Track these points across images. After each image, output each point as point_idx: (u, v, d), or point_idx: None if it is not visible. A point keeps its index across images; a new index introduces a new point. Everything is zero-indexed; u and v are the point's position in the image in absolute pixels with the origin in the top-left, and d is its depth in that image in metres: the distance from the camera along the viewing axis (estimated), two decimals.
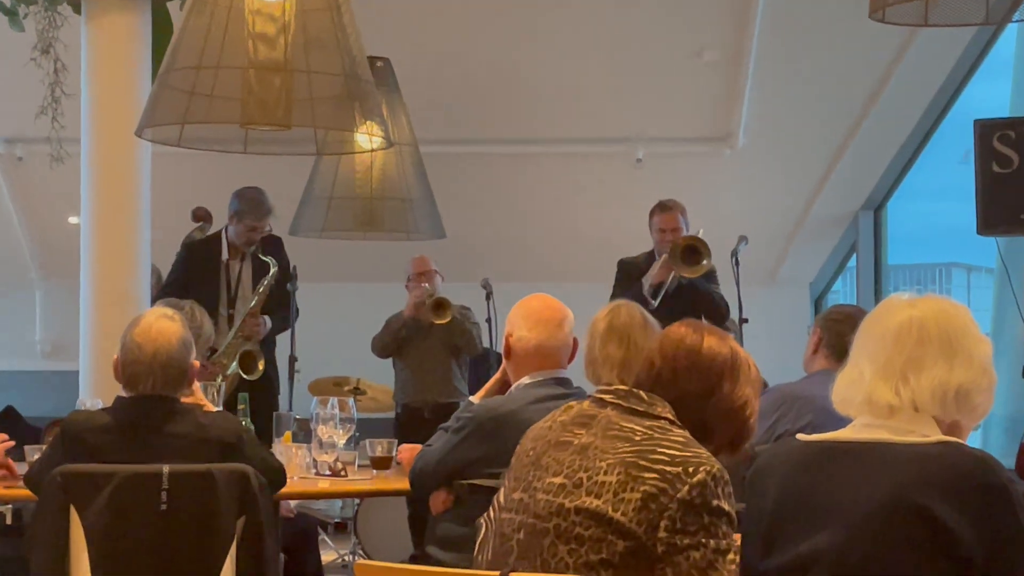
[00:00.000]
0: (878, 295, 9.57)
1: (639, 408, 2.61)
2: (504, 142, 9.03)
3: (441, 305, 7.24)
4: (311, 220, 6.77)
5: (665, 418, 2.58)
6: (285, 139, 4.74)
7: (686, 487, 2.43)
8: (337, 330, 8.96)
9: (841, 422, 2.55)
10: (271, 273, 6.82)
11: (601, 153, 9.16)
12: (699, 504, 2.43)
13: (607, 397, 2.67)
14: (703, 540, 2.42)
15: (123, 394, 3.84)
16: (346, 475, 4.72)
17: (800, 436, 2.57)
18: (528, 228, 9.51)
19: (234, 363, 6.73)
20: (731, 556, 2.46)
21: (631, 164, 9.07)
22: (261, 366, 6.72)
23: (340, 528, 8.21)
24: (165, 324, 3.82)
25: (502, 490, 2.74)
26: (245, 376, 6.68)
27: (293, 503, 6.30)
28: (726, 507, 2.46)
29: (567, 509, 2.50)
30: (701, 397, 2.64)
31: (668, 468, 2.45)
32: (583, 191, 9.32)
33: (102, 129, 6.33)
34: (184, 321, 3.91)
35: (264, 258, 6.84)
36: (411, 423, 7.34)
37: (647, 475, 2.45)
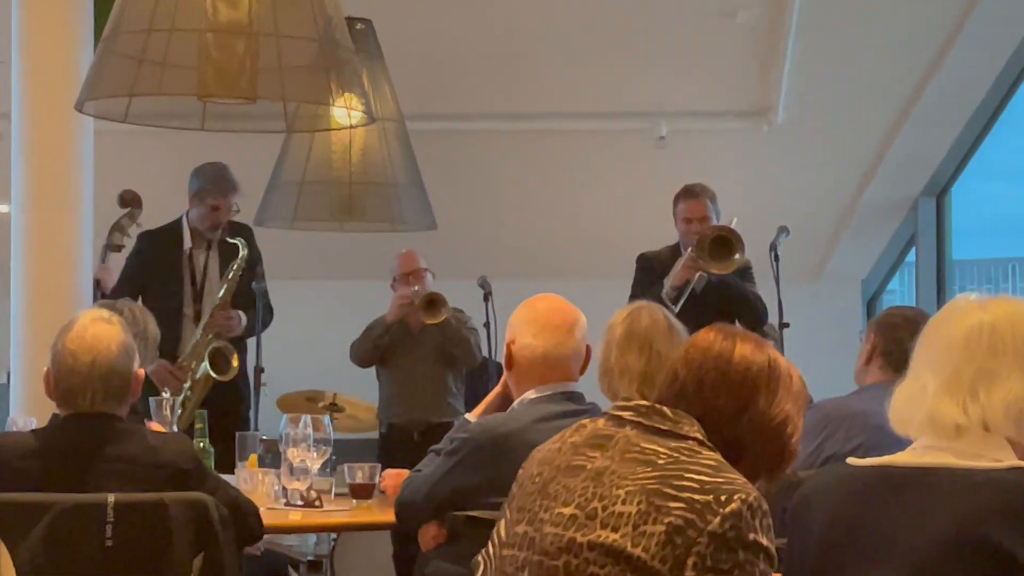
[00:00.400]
0: (941, 295, 9.57)
1: (663, 427, 2.61)
2: (505, 117, 9.02)
3: (434, 303, 7.24)
4: (280, 209, 6.77)
5: (693, 438, 2.58)
6: (249, 114, 4.75)
7: (718, 518, 2.43)
8: (310, 336, 8.96)
9: (898, 444, 2.55)
10: (241, 256, 6.83)
11: (617, 130, 9.15)
12: (732, 538, 2.43)
13: (626, 414, 2.67)
14: None
15: (58, 412, 3.84)
16: (321, 505, 4.72)
17: (851, 460, 2.57)
18: (532, 218, 9.50)
19: (203, 364, 6.74)
20: None
21: (652, 143, 9.06)
22: (235, 362, 6.73)
23: (314, 567, 8.19)
24: (102, 328, 3.81)
25: (502, 522, 2.74)
26: (218, 377, 6.70)
27: None
28: (764, 542, 2.46)
29: (579, 544, 2.50)
30: (733, 414, 2.64)
31: (696, 496, 2.45)
32: (597, 174, 9.31)
33: (36, 102, 6.33)
34: (123, 323, 3.90)
35: (232, 240, 6.85)
36: (397, 445, 7.33)
37: (672, 504, 2.45)
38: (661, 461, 2.53)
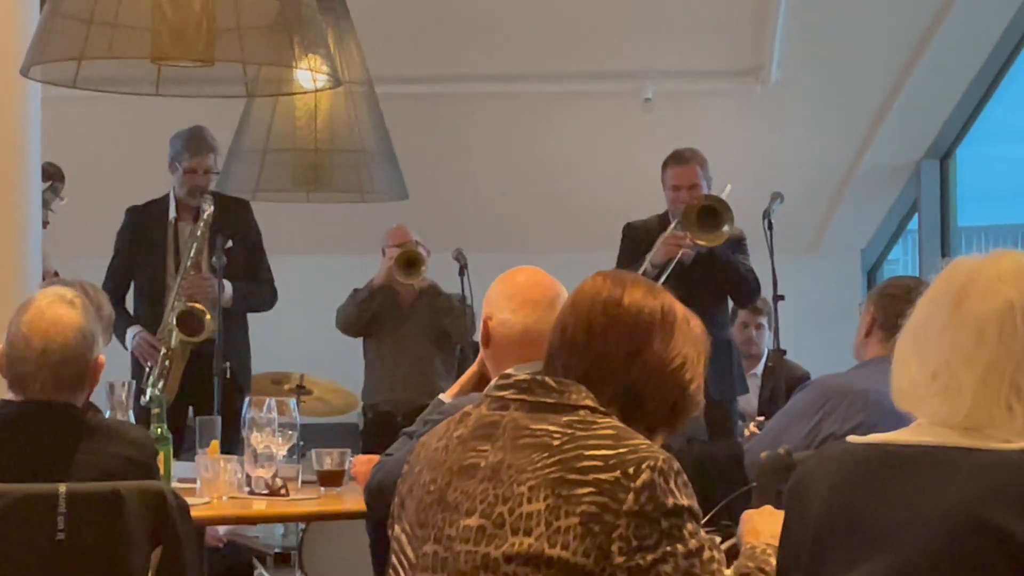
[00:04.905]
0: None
1: (549, 400, 2.58)
2: (480, 79, 9.01)
3: (412, 261, 7.25)
4: (241, 178, 6.74)
5: (584, 407, 2.56)
6: (207, 78, 4.72)
7: (631, 495, 2.42)
8: (275, 315, 8.94)
9: (901, 422, 2.54)
10: (208, 212, 6.88)
11: (600, 92, 9.15)
12: (651, 510, 2.43)
13: (507, 394, 2.64)
14: (668, 549, 2.43)
15: (10, 397, 3.82)
16: (287, 494, 4.72)
17: (850, 438, 2.56)
18: (511, 186, 9.50)
19: (174, 332, 6.79)
20: (707, 555, 2.47)
21: (637, 105, 9.06)
22: (209, 319, 6.75)
23: (282, 560, 8.20)
24: (61, 312, 3.77)
25: (404, 538, 2.68)
26: (190, 339, 6.74)
27: (222, 529, 6.29)
28: (684, 501, 2.46)
29: (495, 559, 2.47)
30: (624, 358, 2.63)
31: (603, 476, 2.44)
32: (579, 139, 9.31)
33: None
34: (86, 306, 3.87)
35: (205, 208, 6.93)
36: (382, 431, 7.33)
37: (580, 491, 2.44)
38: (556, 442, 2.50)
